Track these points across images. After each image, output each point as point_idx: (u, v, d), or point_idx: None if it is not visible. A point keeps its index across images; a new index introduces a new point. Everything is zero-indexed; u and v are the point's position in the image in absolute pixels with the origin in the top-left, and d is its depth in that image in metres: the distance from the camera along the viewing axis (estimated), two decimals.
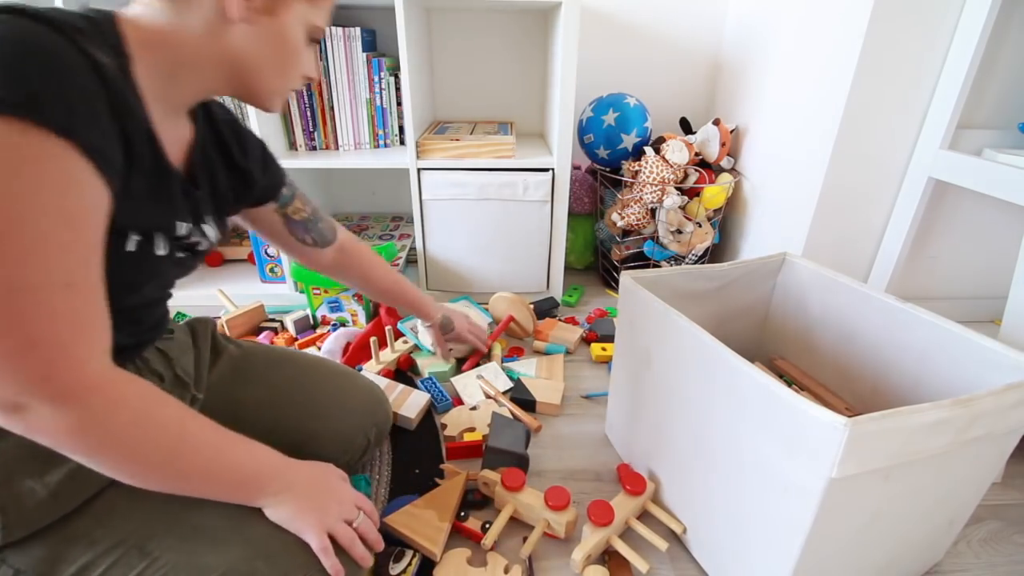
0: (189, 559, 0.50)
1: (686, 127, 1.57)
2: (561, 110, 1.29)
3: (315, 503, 0.56)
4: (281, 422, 0.76)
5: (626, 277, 0.83)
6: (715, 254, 1.62)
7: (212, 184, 0.63)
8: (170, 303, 0.67)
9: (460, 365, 1.19)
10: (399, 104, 1.44)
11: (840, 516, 0.56)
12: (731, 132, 1.49)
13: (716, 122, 1.46)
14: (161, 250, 0.54)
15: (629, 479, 0.81)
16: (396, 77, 1.41)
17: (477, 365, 1.18)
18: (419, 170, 1.34)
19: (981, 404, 0.53)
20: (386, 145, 1.48)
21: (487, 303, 1.36)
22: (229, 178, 0.67)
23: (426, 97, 1.52)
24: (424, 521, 0.76)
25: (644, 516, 0.81)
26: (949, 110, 1.03)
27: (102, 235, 0.44)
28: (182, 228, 0.56)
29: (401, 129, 1.48)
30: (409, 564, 0.70)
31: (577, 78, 1.26)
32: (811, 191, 1.18)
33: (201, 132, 0.61)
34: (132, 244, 0.49)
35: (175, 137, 0.56)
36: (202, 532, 0.52)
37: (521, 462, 0.87)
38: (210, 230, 0.63)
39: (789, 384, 0.98)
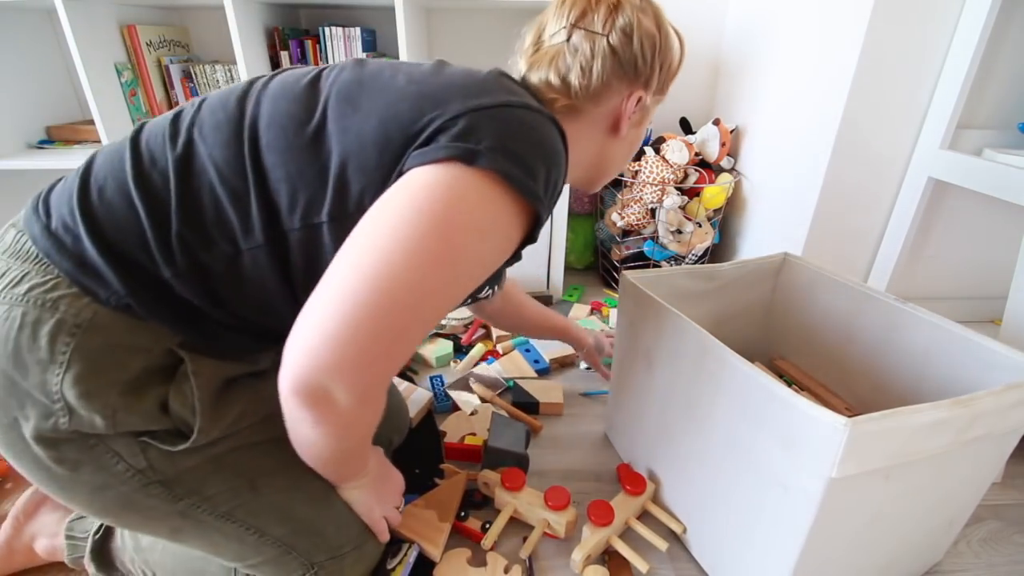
0: (284, 506, 0.58)
1: (686, 127, 1.57)
2: None
3: (382, 490, 0.66)
4: None
5: (626, 276, 0.83)
6: (715, 254, 1.62)
7: None
8: None
9: (457, 347, 1.24)
10: None
11: (840, 516, 0.56)
12: (731, 132, 1.48)
13: (716, 122, 1.46)
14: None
15: (629, 479, 0.81)
16: None
17: (472, 342, 1.25)
18: None
19: (981, 404, 0.53)
20: None
21: None
22: None
23: None
24: (424, 521, 0.76)
25: (644, 516, 0.81)
26: (949, 110, 1.03)
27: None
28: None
29: None
30: (404, 555, 0.71)
31: None
32: (811, 191, 1.18)
33: None
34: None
35: None
36: (303, 487, 0.59)
37: (521, 462, 0.87)
38: None
39: (789, 384, 0.98)
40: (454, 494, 0.81)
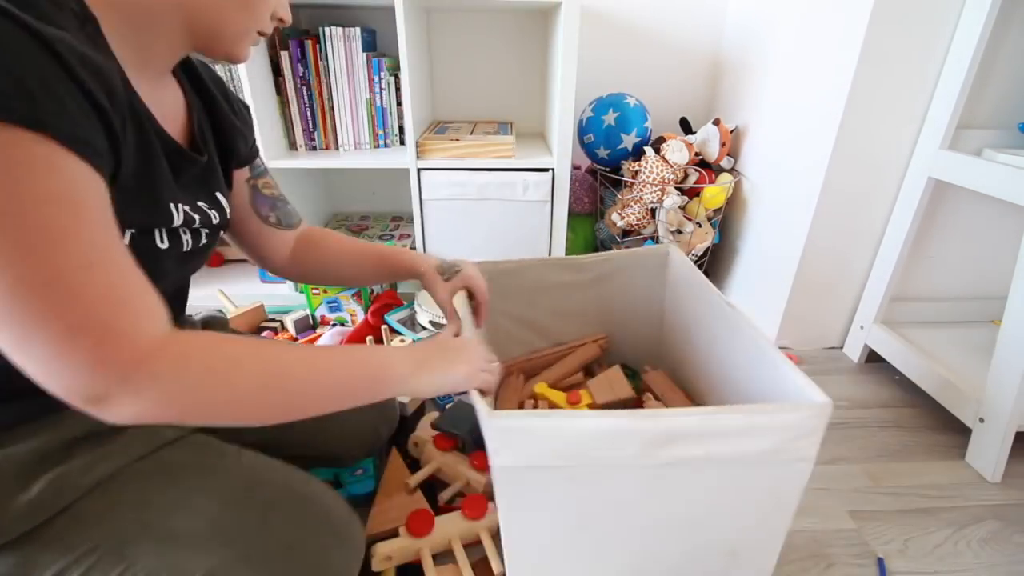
0: (168, 562, 0.49)
1: (686, 127, 1.57)
2: (561, 110, 1.29)
3: (457, 358, 0.59)
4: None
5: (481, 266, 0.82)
6: (715, 254, 1.62)
7: (217, 149, 0.61)
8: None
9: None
10: (399, 104, 1.44)
11: (526, 506, 0.57)
12: (731, 132, 1.48)
13: (716, 122, 1.46)
14: (162, 242, 0.51)
15: (470, 503, 0.78)
16: (396, 77, 1.41)
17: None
18: (419, 170, 1.34)
19: (671, 422, 0.50)
20: (386, 145, 1.48)
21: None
22: (222, 139, 0.63)
23: (426, 97, 1.52)
24: (400, 506, 0.79)
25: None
26: (949, 110, 1.03)
27: (109, 213, 0.40)
28: (181, 211, 0.52)
29: (401, 129, 1.48)
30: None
31: (577, 78, 1.26)
32: (811, 191, 1.18)
33: (190, 94, 0.58)
34: (126, 239, 0.47)
35: (166, 104, 0.53)
36: (181, 536, 0.50)
37: (466, 442, 0.90)
38: (224, 200, 0.61)
39: (639, 392, 0.92)
40: (399, 470, 0.88)
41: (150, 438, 0.56)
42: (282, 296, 1.46)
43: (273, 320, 1.35)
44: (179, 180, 0.53)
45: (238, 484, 0.56)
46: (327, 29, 1.31)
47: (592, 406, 0.83)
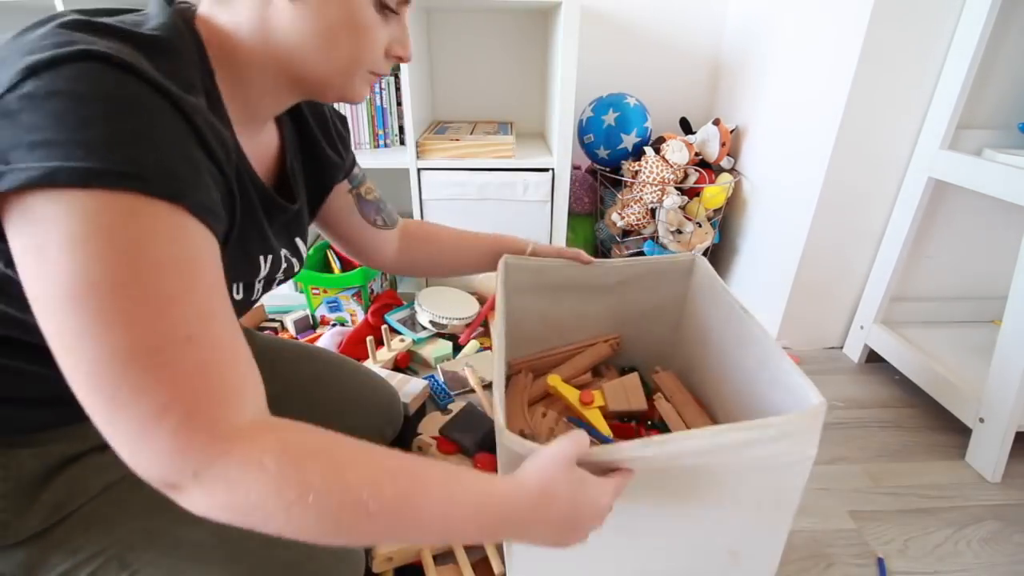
0: (171, 573, 0.48)
1: (686, 127, 1.57)
2: (561, 110, 1.29)
3: (575, 526, 0.46)
4: (300, 419, 0.76)
5: (505, 260, 0.81)
6: (715, 254, 1.62)
7: (306, 189, 0.60)
8: None
9: (456, 348, 1.25)
10: (399, 104, 1.44)
11: None
12: (731, 132, 1.48)
13: (716, 122, 1.46)
14: (237, 294, 0.50)
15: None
16: (396, 77, 1.41)
17: (472, 337, 1.25)
18: (419, 170, 1.34)
19: (674, 448, 0.49)
20: (386, 145, 1.48)
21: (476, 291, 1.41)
22: (316, 182, 0.62)
23: (426, 97, 1.52)
24: None
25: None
26: (949, 110, 1.03)
27: (221, 277, 0.39)
28: (268, 262, 0.52)
29: (401, 129, 1.48)
30: None
31: (577, 78, 1.26)
32: (811, 191, 1.18)
33: (288, 134, 0.56)
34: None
35: (261, 146, 0.52)
36: (185, 546, 0.49)
37: (469, 449, 0.91)
38: (302, 246, 0.60)
39: (649, 395, 0.91)
40: None
41: None
42: (282, 296, 1.46)
43: (273, 320, 1.35)
44: (272, 228, 0.52)
45: None
46: None
47: (604, 410, 0.83)
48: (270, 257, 0.53)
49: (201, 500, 0.35)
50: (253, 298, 0.56)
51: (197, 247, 0.37)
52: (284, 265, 0.56)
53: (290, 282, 1.45)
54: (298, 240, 0.60)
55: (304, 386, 0.78)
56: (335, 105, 0.68)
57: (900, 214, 1.16)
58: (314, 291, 1.31)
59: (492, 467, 0.81)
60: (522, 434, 0.54)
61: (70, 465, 0.49)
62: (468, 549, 0.75)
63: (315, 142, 0.61)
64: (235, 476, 0.35)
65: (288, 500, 0.35)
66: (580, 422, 0.82)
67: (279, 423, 0.39)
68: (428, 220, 0.90)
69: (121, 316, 0.33)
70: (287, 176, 0.56)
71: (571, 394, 0.85)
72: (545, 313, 0.94)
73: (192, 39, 0.41)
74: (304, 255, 0.62)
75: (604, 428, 0.80)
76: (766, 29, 1.37)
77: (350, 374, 0.84)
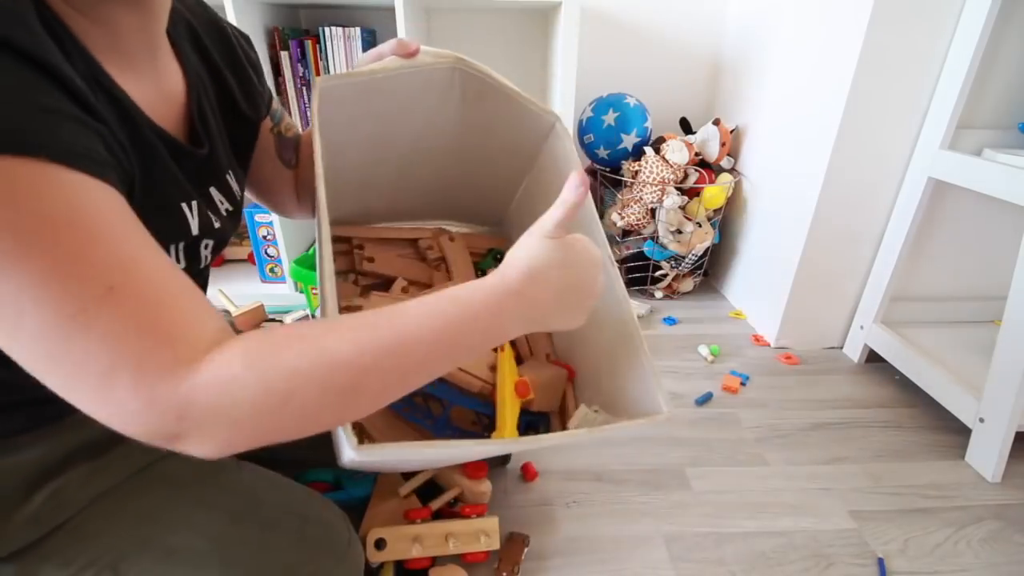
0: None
1: (686, 127, 1.57)
2: (561, 110, 1.29)
3: (580, 287, 0.45)
4: None
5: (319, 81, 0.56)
6: (715, 254, 1.62)
7: (222, 132, 0.56)
8: None
9: None
10: None
11: None
12: (731, 132, 1.48)
13: (716, 122, 1.46)
14: (180, 262, 0.48)
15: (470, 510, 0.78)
16: None
17: None
18: None
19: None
20: None
21: None
22: (233, 109, 0.58)
23: None
24: (394, 508, 0.78)
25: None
26: (949, 110, 1.03)
27: (128, 224, 0.36)
28: (195, 210, 0.48)
29: None
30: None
31: (577, 78, 1.26)
32: (811, 191, 1.18)
33: (195, 74, 0.52)
34: None
35: (161, 92, 0.48)
36: (178, 554, 0.49)
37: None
38: (235, 183, 0.57)
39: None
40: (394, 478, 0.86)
41: (150, 449, 0.55)
42: (282, 296, 1.46)
43: (273, 320, 1.35)
44: (184, 174, 0.50)
45: (238, 501, 0.55)
46: (327, 29, 1.31)
47: (528, 406, 0.76)
48: (194, 204, 0.49)
49: (206, 440, 0.34)
50: (202, 265, 0.53)
51: (82, 197, 0.33)
52: (215, 217, 0.52)
53: (290, 282, 1.46)
54: (225, 185, 0.56)
55: None
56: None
57: (900, 214, 1.16)
58: (314, 291, 1.31)
59: (482, 474, 0.81)
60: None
61: (53, 479, 0.48)
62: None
63: (223, 79, 0.57)
64: (217, 401, 0.33)
65: (280, 392, 0.34)
66: (452, 392, 0.72)
67: (240, 336, 0.36)
68: None
69: (27, 292, 0.31)
70: (193, 121, 0.52)
71: (508, 378, 0.73)
72: (364, 162, 0.72)
73: None
74: (238, 197, 0.58)
75: (510, 421, 0.68)
76: (766, 29, 1.37)
77: None
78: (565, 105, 1.28)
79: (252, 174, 0.66)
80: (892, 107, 1.08)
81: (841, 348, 1.34)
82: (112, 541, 0.49)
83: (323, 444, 0.79)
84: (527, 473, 0.91)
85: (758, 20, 1.41)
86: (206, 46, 0.55)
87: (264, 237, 1.45)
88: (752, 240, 1.47)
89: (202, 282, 0.59)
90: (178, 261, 0.49)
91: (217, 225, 0.54)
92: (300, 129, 0.71)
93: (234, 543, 0.51)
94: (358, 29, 1.31)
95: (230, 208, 0.57)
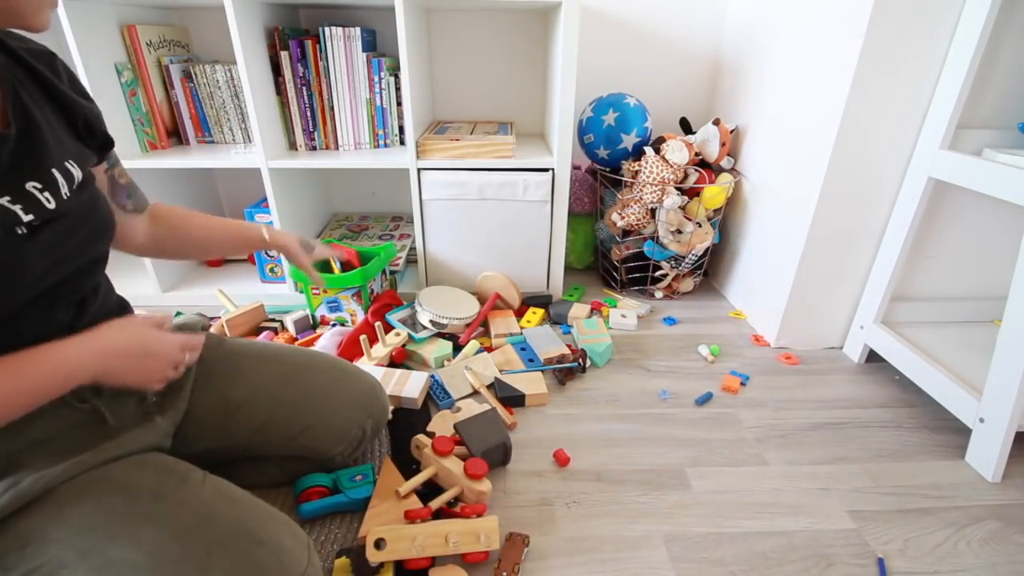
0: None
1: (686, 127, 1.57)
2: (561, 110, 1.29)
3: (133, 370, 0.58)
4: (273, 418, 0.77)
5: None
6: (715, 254, 1.62)
7: (46, 118, 0.56)
8: (164, 302, 0.66)
9: (456, 348, 1.25)
10: (399, 104, 1.44)
11: None
12: (731, 132, 1.48)
13: (716, 122, 1.46)
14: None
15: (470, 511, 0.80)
16: (396, 77, 1.41)
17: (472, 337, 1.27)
18: (419, 170, 1.34)
19: None
20: (386, 145, 1.48)
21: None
22: (58, 107, 0.59)
23: (426, 97, 1.52)
24: (394, 509, 0.80)
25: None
26: (949, 110, 1.03)
27: None
28: (11, 199, 0.49)
29: (401, 129, 1.48)
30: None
31: (577, 78, 1.26)
32: (811, 191, 1.18)
33: (7, 70, 0.54)
34: None
35: None
36: (114, 567, 0.49)
37: (505, 450, 0.91)
38: (74, 167, 0.57)
39: None
40: (393, 476, 0.88)
41: (113, 445, 0.56)
42: (282, 296, 1.46)
43: (273, 320, 1.35)
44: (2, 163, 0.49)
45: (190, 517, 0.54)
46: (327, 29, 1.31)
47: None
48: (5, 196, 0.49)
49: None
50: (52, 243, 0.53)
51: None
52: (35, 204, 0.51)
53: (290, 282, 1.46)
54: (68, 164, 0.56)
55: (270, 388, 0.78)
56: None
57: (900, 214, 1.16)
58: (314, 291, 1.31)
59: (482, 474, 0.82)
60: None
61: (10, 471, 0.49)
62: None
63: (35, 71, 0.58)
64: None
65: None
66: None
67: None
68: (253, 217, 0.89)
69: None
70: (6, 111, 0.52)
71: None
72: None
73: None
74: (76, 175, 0.58)
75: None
76: (766, 29, 1.37)
77: (319, 372, 0.83)
78: (565, 105, 1.28)
79: None
80: (892, 107, 1.08)
81: (841, 348, 1.34)
82: (56, 549, 0.49)
83: (306, 442, 0.80)
84: (559, 459, 0.95)
85: (758, 20, 1.41)
86: (12, 48, 0.56)
87: None
88: (752, 240, 1.47)
89: (68, 254, 0.57)
90: (31, 237, 0.50)
91: (51, 206, 0.53)
92: (128, 176, 0.74)
93: (173, 560, 0.50)
94: (358, 29, 1.32)
95: (68, 187, 0.56)
